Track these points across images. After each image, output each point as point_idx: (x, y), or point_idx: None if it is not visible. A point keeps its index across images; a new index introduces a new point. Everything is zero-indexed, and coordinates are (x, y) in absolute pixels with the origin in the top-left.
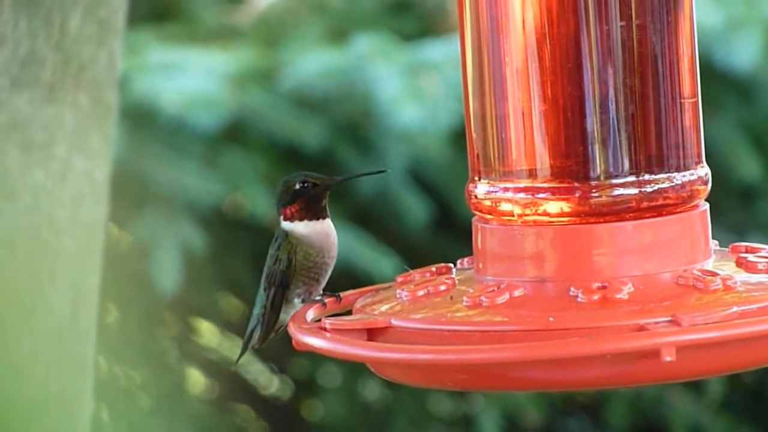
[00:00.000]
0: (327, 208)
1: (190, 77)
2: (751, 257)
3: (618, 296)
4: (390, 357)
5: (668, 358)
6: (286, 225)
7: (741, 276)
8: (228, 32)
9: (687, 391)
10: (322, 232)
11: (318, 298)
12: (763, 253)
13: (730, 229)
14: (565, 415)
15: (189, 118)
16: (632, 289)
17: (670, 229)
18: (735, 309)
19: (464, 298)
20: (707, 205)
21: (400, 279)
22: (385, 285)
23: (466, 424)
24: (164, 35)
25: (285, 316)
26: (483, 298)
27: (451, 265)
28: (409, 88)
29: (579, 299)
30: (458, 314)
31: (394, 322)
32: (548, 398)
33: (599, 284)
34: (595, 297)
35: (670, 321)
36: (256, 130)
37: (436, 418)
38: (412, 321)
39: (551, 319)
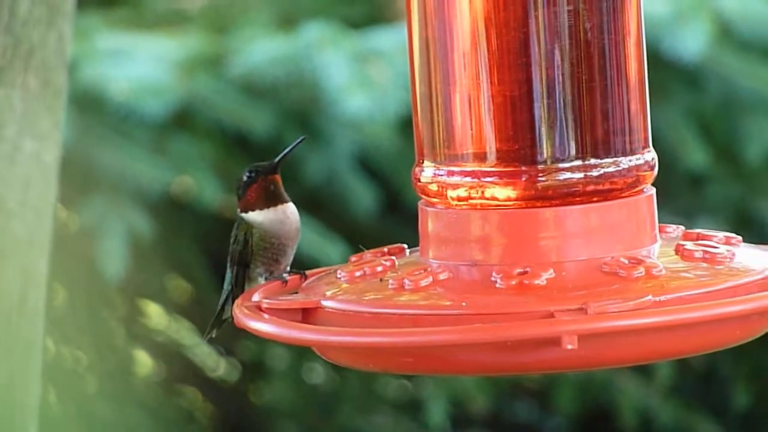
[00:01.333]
0: (283, 193)
1: (139, 64)
2: (690, 245)
3: (536, 282)
4: (298, 336)
5: (570, 347)
6: (242, 216)
7: (674, 264)
8: (176, 18)
9: (636, 375)
10: (276, 220)
11: (283, 276)
12: (709, 242)
13: (678, 212)
14: (512, 400)
15: (137, 105)
16: (553, 275)
17: (616, 213)
18: (649, 297)
19: (390, 281)
20: (653, 190)
21: (353, 258)
22: (343, 265)
23: (413, 409)
24: (113, 21)
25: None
26: (406, 280)
27: (405, 246)
28: (358, 76)
29: (498, 284)
30: (379, 296)
31: (323, 302)
32: (496, 383)
33: (520, 269)
34: (513, 282)
35: (579, 309)
36: (204, 117)
37: (384, 401)
38: (337, 302)
39: (464, 303)
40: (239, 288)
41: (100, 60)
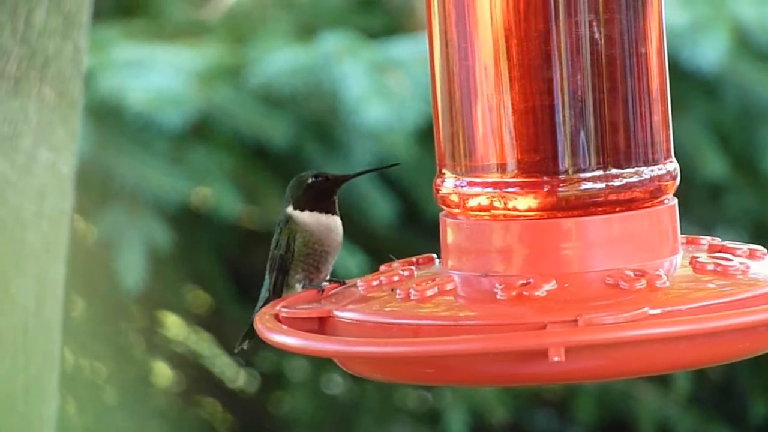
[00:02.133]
0: (336, 206)
1: (157, 74)
2: (703, 257)
3: (536, 293)
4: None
5: (556, 359)
6: (293, 212)
7: (685, 276)
8: (195, 29)
9: (654, 385)
10: (325, 225)
11: (321, 284)
12: (726, 254)
13: (697, 223)
14: (532, 411)
15: (155, 115)
16: (554, 287)
17: (637, 223)
18: (645, 310)
19: (398, 291)
20: (675, 201)
21: (383, 268)
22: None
23: (432, 419)
24: (131, 32)
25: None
26: (412, 291)
27: (434, 256)
28: (376, 86)
29: (498, 296)
30: (385, 307)
31: (335, 312)
32: (515, 393)
33: (523, 281)
34: (513, 293)
35: (572, 321)
36: (222, 127)
37: (403, 412)
38: (347, 311)
39: (461, 314)
40: (276, 295)
41: (118, 70)
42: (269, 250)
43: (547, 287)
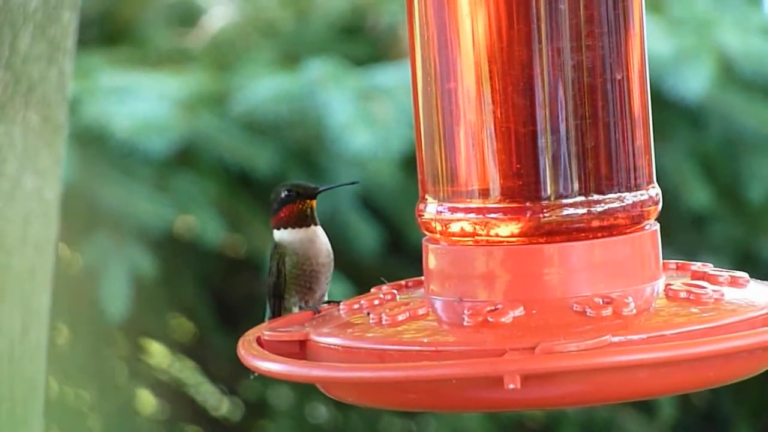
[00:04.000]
0: (315, 217)
1: (141, 101)
2: (677, 284)
3: (502, 320)
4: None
5: (511, 386)
6: (275, 234)
7: (653, 303)
8: (179, 56)
9: (638, 413)
10: (306, 239)
11: (316, 306)
12: (700, 282)
13: (681, 251)
14: None
15: (140, 142)
16: (522, 313)
17: (620, 249)
18: (607, 338)
19: (371, 315)
20: (657, 226)
21: (373, 290)
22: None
23: None
24: (115, 59)
25: None
26: (383, 315)
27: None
28: (361, 113)
29: (465, 322)
30: (358, 331)
31: (312, 336)
32: (498, 421)
33: (491, 307)
34: (479, 319)
35: (531, 348)
36: (207, 155)
37: None
38: (322, 335)
39: (425, 340)
40: None
41: (103, 97)
42: (254, 278)
43: (514, 313)
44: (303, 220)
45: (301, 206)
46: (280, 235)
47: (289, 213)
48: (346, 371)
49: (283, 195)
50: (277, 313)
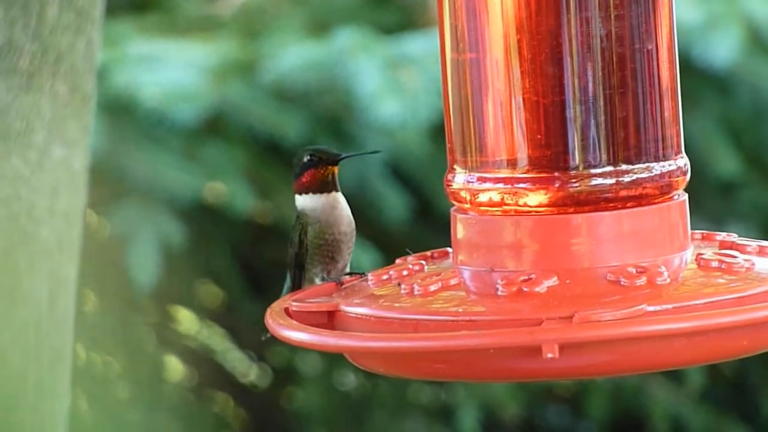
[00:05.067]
0: (336, 183)
1: (170, 69)
2: (708, 254)
3: (536, 289)
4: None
5: (549, 355)
6: (297, 200)
7: (688, 273)
8: (208, 24)
9: (666, 381)
10: (327, 204)
11: (339, 277)
12: (732, 251)
13: (709, 219)
14: (544, 407)
15: (169, 111)
16: (555, 283)
17: (648, 219)
18: (642, 307)
19: (403, 286)
20: (686, 196)
21: (398, 261)
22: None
23: (445, 415)
24: (144, 27)
25: None
26: (416, 286)
27: (449, 250)
28: (389, 82)
29: (499, 291)
30: (390, 302)
31: (342, 306)
32: (527, 389)
33: (525, 277)
34: (514, 289)
35: (568, 317)
36: (236, 123)
37: (416, 407)
38: (352, 305)
39: (460, 310)
40: (297, 290)
41: (132, 66)
42: (282, 245)
43: (548, 283)
44: (324, 186)
45: (323, 171)
46: (303, 201)
47: (311, 178)
48: (384, 341)
49: (305, 160)
50: (298, 284)
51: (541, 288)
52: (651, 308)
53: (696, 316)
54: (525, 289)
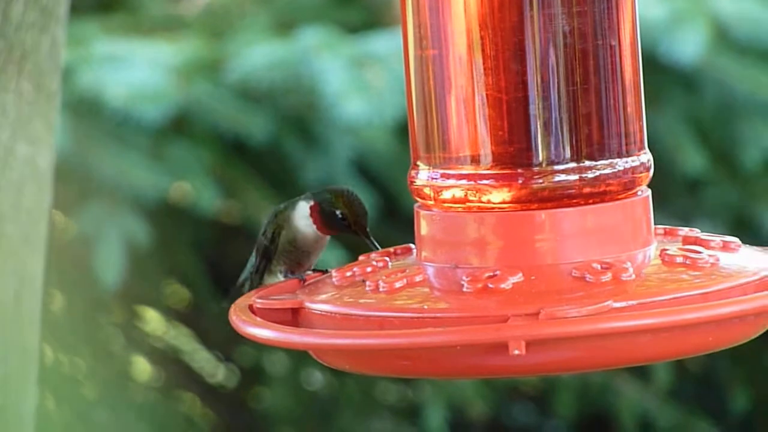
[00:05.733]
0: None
1: (136, 69)
2: (673, 250)
3: (501, 286)
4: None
5: (516, 352)
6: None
7: (653, 269)
8: (173, 24)
9: (634, 378)
10: (313, 239)
11: (302, 275)
12: (695, 247)
13: (676, 216)
14: (511, 405)
15: (134, 111)
16: (521, 279)
17: (611, 215)
18: (608, 303)
19: (368, 282)
20: (649, 192)
21: (361, 258)
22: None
23: (412, 414)
24: (109, 26)
25: (270, 280)
26: (380, 282)
27: (412, 246)
28: (355, 81)
29: (465, 288)
30: (355, 298)
31: (306, 303)
32: (494, 387)
33: (490, 273)
34: (479, 285)
35: (533, 314)
36: (201, 122)
37: (383, 406)
38: (317, 302)
39: (425, 306)
40: (258, 276)
41: (97, 65)
42: (249, 245)
43: (513, 279)
44: (326, 232)
45: (340, 230)
46: (303, 222)
47: (327, 227)
48: (349, 338)
49: (338, 215)
50: (261, 270)
51: (507, 284)
52: (617, 304)
53: (661, 312)
54: (490, 286)
